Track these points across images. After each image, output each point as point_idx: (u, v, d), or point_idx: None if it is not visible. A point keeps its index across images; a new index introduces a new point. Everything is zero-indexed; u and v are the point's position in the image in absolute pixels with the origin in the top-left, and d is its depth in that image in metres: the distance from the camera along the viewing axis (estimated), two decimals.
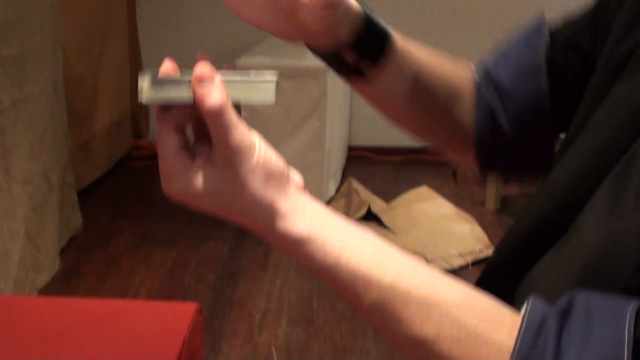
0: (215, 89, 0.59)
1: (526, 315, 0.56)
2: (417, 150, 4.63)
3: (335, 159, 3.98)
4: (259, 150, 0.61)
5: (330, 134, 3.66)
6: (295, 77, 3.45)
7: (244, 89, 0.63)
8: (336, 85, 3.73)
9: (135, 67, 4.69)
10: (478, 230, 3.42)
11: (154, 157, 3.94)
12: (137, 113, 4.76)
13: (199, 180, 0.61)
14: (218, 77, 0.60)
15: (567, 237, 0.67)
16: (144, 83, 0.61)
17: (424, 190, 3.77)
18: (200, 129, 0.63)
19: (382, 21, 0.79)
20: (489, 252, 3.24)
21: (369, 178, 4.12)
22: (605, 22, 0.79)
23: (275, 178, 0.62)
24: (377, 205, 3.61)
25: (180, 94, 0.60)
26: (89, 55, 3.89)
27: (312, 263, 0.62)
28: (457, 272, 3.10)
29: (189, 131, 0.65)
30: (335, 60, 0.80)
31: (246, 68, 3.50)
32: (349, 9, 0.75)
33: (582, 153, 0.69)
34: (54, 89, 3.06)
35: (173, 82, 0.61)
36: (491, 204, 3.82)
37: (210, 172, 0.61)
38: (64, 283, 3.00)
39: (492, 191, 3.81)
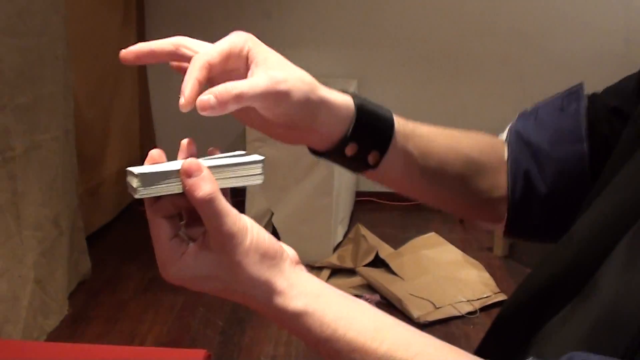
0: (204, 181, 0.61)
1: None
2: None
3: (344, 204, 4.00)
4: (251, 233, 0.63)
5: (339, 180, 3.68)
6: None
7: (231, 174, 0.65)
8: None
9: (144, 114, 4.74)
10: (486, 276, 3.41)
11: None
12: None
13: (195, 265, 0.63)
14: (206, 169, 0.62)
15: (585, 291, 0.67)
16: (134, 181, 0.62)
17: (432, 237, 3.78)
18: (191, 214, 0.65)
19: (381, 107, 0.79)
20: (497, 298, 3.24)
21: (377, 223, 4.13)
22: None
23: (269, 257, 0.64)
24: (385, 251, 3.61)
25: (170, 186, 0.62)
26: (100, 102, 3.94)
27: (310, 336, 0.64)
28: (465, 319, 3.09)
29: None
30: (337, 156, 0.80)
31: None
32: (332, 105, 0.75)
33: (603, 210, 0.69)
34: (65, 135, 3.10)
35: (162, 174, 0.62)
36: (499, 249, 3.82)
37: (206, 257, 0.63)
38: (72, 327, 3.01)
39: (500, 237, 3.80)
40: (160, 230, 0.63)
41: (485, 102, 4.69)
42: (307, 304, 0.63)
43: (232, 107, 0.65)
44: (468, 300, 3.19)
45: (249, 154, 0.68)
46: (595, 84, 0.95)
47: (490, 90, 4.66)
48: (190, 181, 0.61)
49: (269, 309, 0.64)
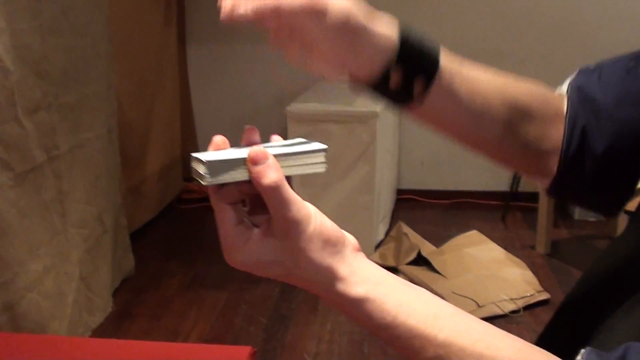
0: (270, 168, 0.62)
1: None
2: (466, 194, 4.63)
3: (385, 202, 3.99)
4: (315, 220, 0.64)
5: (380, 178, 3.67)
6: (345, 122, 3.48)
7: (295, 162, 0.66)
8: (385, 130, 3.75)
9: (185, 113, 4.77)
10: (529, 275, 3.38)
11: (204, 200, 3.96)
12: (188, 157, 4.82)
13: (259, 251, 0.64)
14: (272, 157, 0.63)
15: None
16: (201, 168, 0.63)
17: (474, 235, 3.74)
18: (255, 201, 0.66)
19: (428, 38, 0.77)
20: (540, 296, 3.20)
21: (418, 221, 4.11)
22: None
23: (331, 244, 0.65)
24: (427, 249, 3.59)
25: (237, 174, 0.63)
26: (142, 101, 3.98)
27: (371, 322, 0.64)
28: (508, 317, 3.06)
29: None
30: (381, 88, 0.78)
31: (296, 114, 3.55)
32: (371, 32, 0.73)
33: None
34: (108, 134, 3.14)
35: (229, 162, 0.63)
36: (541, 247, 3.77)
37: (270, 243, 0.64)
38: (116, 324, 3.04)
39: (542, 235, 3.77)
40: (226, 217, 0.64)
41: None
42: (368, 291, 0.64)
43: (269, 18, 0.68)
44: (511, 299, 3.16)
45: (310, 142, 0.69)
46: None
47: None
48: (257, 169, 0.62)
49: (330, 295, 0.65)
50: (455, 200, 4.60)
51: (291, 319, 3.09)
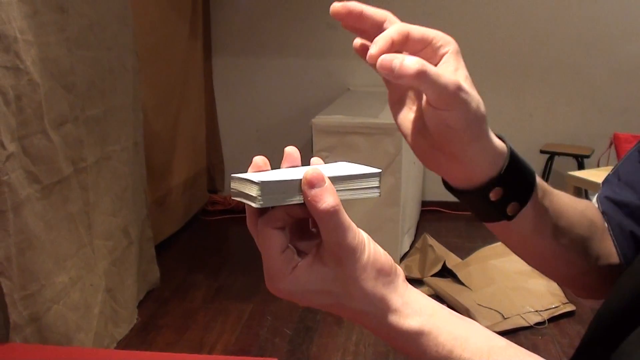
0: (327, 192, 0.58)
1: None
2: None
3: (410, 214, 3.98)
4: (369, 248, 0.61)
5: (405, 190, 3.66)
6: (371, 134, 3.48)
7: (351, 186, 0.63)
8: None
9: (211, 125, 4.80)
10: (554, 287, 3.35)
11: (228, 211, 3.98)
12: (213, 169, 4.85)
13: (307, 279, 0.61)
14: (328, 180, 0.59)
15: None
16: (253, 190, 0.59)
17: (498, 246, 3.72)
18: (299, 227, 0.63)
19: (526, 160, 0.76)
20: (565, 308, 3.17)
21: (443, 233, 4.09)
22: None
23: (384, 273, 0.62)
24: (452, 261, 3.58)
25: (290, 197, 0.59)
26: (167, 114, 4.00)
27: (426, 356, 0.62)
28: (533, 329, 3.04)
29: None
30: (479, 197, 0.75)
31: (322, 126, 3.55)
32: (490, 145, 0.72)
33: None
34: (134, 146, 3.16)
35: (284, 184, 0.59)
36: None
37: (320, 271, 0.61)
38: (141, 336, 3.05)
39: None
40: (272, 242, 0.60)
41: (551, 110, 4.62)
42: (422, 324, 0.62)
43: (407, 81, 0.61)
44: (536, 311, 3.13)
45: (353, 164, 0.66)
46: None
47: (558, 99, 4.59)
48: (314, 192, 0.58)
49: (382, 327, 0.63)
50: None
51: (316, 330, 3.08)
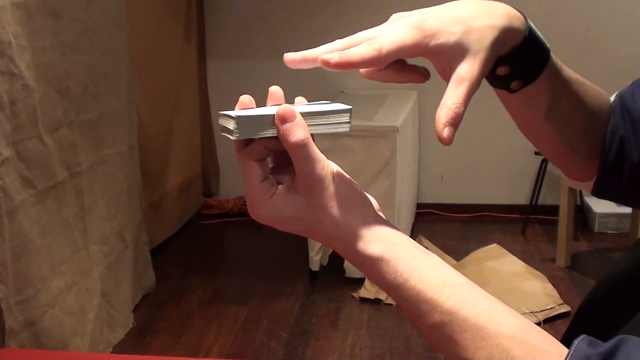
0: (297, 126, 0.64)
1: (569, 356, 0.59)
2: (486, 207, 4.61)
3: (405, 216, 3.98)
4: (339, 178, 0.67)
5: (400, 192, 3.67)
6: (366, 137, 3.48)
7: (322, 121, 0.68)
8: (405, 144, 3.75)
9: (205, 129, 4.80)
10: (549, 288, 3.36)
11: (223, 215, 3.98)
12: (208, 172, 4.85)
13: (283, 206, 0.67)
14: (299, 115, 0.65)
15: None
16: (231, 124, 0.65)
17: (494, 248, 3.73)
18: (279, 158, 0.70)
19: (543, 38, 0.78)
20: (560, 309, 3.18)
21: (438, 235, 4.10)
22: None
23: (352, 202, 0.68)
24: (448, 262, 3.57)
25: (265, 131, 0.66)
26: (162, 118, 4.00)
27: (383, 281, 0.66)
28: None
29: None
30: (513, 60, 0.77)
31: None
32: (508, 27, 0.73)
33: None
34: (129, 150, 3.16)
35: (258, 118, 0.66)
36: (561, 260, 3.75)
37: (294, 199, 0.67)
38: (137, 340, 3.05)
39: (562, 248, 3.75)
40: (252, 173, 0.67)
41: None
42: (384, 251, 0.66)
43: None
44: (532, 312, 3.14)
45: (335, 103, 0.71)
46: None
47: None
48: (285, 126, 0.64)
49: (347, 251, 0.67)
50: (475, 214, 4.58)
51: (312, 333, 3.08)
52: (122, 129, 3.08)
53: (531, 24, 0.74)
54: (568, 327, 0.78)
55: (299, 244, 3.69)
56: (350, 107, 0.70)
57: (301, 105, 0.72)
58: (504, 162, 4.72)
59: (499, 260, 3.60)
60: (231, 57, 4.80)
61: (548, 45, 0.78)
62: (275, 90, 0.72)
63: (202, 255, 4.10)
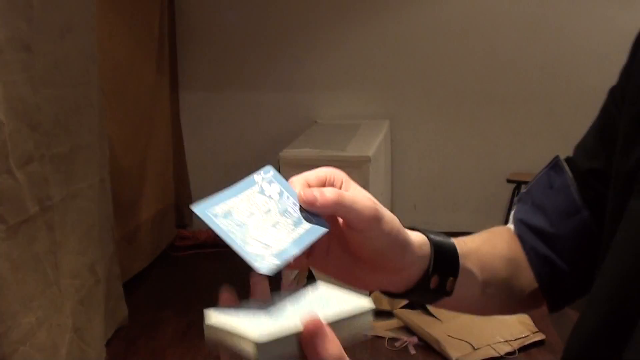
0: (330, 344, 0.54)
1: None
2: (460, 235, 4.63)
3: None
4: None
5: None
6: (339, 167, 3.46)
7: (346, 328, 0.57)
8: (378, 174, 3.76)
9: (178, 160, 4.79)
10: (523, 316, 3.36)
11: (197, 247, 3.95)
12: (181, 203, 4.84)
13: None
14: (327, 327, 0.55)
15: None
16: (250, 347, 0.52)
17: None
18: None
19: (442, 234, 0.80)
20: (535, 337, 3.19)
21: None
22: (610, 135, 0.80)
23: None
24: None
25: (288, 350, 0.54)
26: (135, 149, 3.99)
27: None
28: (504, 359, 3.05)
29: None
30: (422, 291, 0.77)
31: (290, 159, 3.55)
32: (415, 244, 0.74)
33: (611, 279, 0.70)
34: (101, 183, 3.14)
35: (282, 340, 0.53)
36: None
37: None
38: None
39: None
40: None
41: (517, 139, 4.69)
42: None
43: (332, 208, 0.67)
44: (506, 341, 3.15)
45: (341, 289, 0.62)
46: None
47: (521, 128, 4.66)
48: (313, 342, 0.54)
49: None
50: None
51: None
52: (94, 161, 3.06)
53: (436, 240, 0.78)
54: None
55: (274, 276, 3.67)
56: (373, 306, 0.59)
57: (309, 302, 0.61)
58: (476, 189, 4.76)
59: None
60: (204, 89, 4.81)
61: (449, 239, 0.80)
62: (258, 280, 0.65)
63: (176, 288, 4.07)
